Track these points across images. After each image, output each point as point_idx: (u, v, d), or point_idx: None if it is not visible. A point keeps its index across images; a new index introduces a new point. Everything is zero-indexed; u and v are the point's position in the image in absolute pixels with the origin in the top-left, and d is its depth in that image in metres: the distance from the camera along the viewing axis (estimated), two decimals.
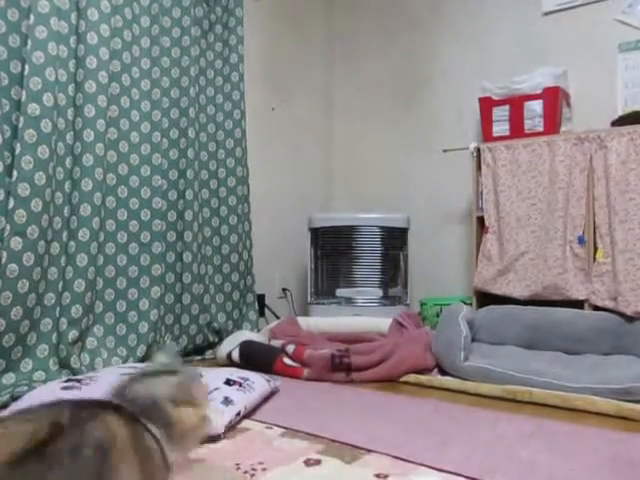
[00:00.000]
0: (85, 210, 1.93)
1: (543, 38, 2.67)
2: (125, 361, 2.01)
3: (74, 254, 1.90)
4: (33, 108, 1.72)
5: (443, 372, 1.90)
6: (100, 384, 1.44)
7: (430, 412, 1.51)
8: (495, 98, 2.48)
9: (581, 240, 2.20)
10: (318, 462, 1.14)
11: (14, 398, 1.55)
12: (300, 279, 3.08)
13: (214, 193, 2.50)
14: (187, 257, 2.30)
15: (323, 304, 2.70)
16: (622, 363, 1.82)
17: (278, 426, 1.37)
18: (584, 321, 2.05)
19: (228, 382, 1.47)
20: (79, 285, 1.90)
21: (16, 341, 1.70)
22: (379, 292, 2.69)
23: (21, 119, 1.71)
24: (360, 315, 2.53)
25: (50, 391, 1.41)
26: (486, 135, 2.52)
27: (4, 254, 1.65)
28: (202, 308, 2.36)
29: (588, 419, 1.46)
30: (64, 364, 1.81)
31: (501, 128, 2.47)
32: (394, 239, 2.72)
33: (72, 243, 1.91)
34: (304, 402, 1.61)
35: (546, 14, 2.66)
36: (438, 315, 2.52)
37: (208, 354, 2.34)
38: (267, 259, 2.88)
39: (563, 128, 2.41)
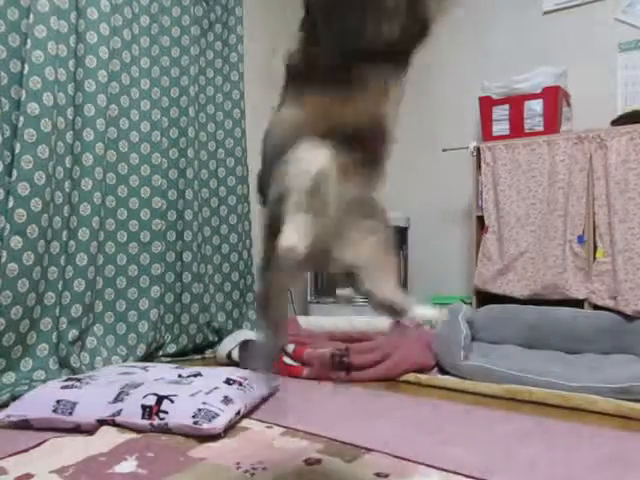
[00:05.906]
0: (85, 209, 1.93)
1: (543, 38, 2.66)
2: (125, 360, 2.01)
3: (74, 253, 1.90)
4: (33, 107, 1.72)
5: (443, 371, 1.90)
6: (100, 383, 1.44)
7: (430, 411, 1.51)
8: (495, 97, 2.48)
9: (581, 239, 2.20)
10: (318, 461, 1.14)
11: (14, 397, 1.55)
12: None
13: (214, 192, 2.50)
14: (187, 256, 2.30)
15: (323, 303, 2.70)
16: (622, 362, 1.82)
17: (278, 425, 1.36)
18: (584, 320, 2.06)
19: (228, 381, 1.47)
20: (79, 284, 1.90)
21: (16, 340, 1.70)
22: None
23: (21, 118, 1.71)
24: (360, 314, 2.53)
25: (50, 390, 1.41)
26: (486, 134, 2.52)
27: (4, 253, 1.65)
28: (202, 307, 2.36)
29: (588, 418, 1.46)
30: (64, 363, 1.81)
31: (501, 127, 2.47)
32: (394, 238, 2.72)
33: (72, 242, 1.91)
34: (304, 401, 1.61)
35: (546, 13, 2.66)
36: None
37: (208, 353, 2.33)
38: None
39: (563, 127, 2.41)
